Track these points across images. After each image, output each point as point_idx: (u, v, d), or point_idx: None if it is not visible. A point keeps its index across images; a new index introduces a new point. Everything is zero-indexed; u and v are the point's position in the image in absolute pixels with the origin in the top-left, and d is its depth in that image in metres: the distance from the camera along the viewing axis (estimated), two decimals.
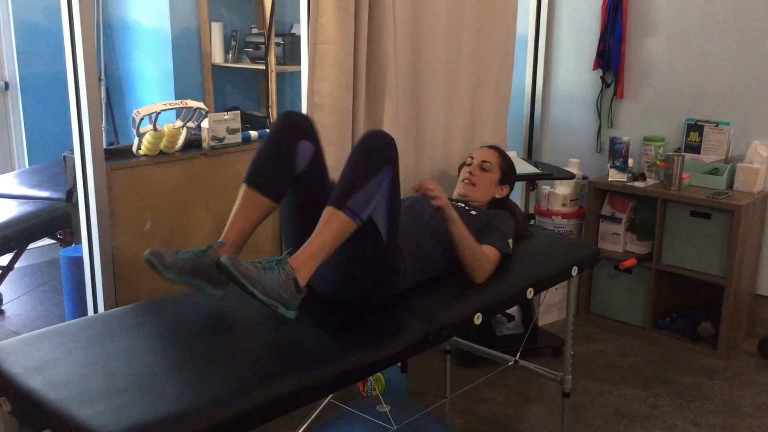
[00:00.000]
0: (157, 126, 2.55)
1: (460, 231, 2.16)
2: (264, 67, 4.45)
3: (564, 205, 3.81)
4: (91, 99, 2.27)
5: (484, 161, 2.63)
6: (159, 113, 2.51)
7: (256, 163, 1.99)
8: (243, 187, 1.97)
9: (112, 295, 2.44)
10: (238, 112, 2.83)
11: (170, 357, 1.70)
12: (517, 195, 4.02)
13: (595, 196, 3.71)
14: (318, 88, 2.87)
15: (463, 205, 2.48)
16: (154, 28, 4.75)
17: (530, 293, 2.27)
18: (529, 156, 4.14)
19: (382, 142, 1.91)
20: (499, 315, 3.37)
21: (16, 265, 3.70)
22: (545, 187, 3.87)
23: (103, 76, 4.87)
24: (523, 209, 3.44)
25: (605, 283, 3.77)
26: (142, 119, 2.49)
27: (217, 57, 4.82)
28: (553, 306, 3.78)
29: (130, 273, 2.53)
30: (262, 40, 4.53)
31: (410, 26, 3.15)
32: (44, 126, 4.71)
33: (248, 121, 4.63)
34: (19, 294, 4.01)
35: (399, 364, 2.96)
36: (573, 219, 3.82)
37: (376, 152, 1.88)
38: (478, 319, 2.09)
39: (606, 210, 3.72)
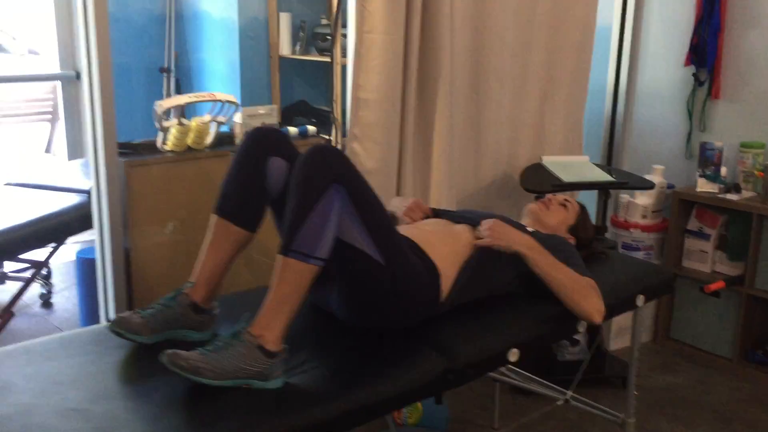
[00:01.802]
0: (183, 120, 2.37)
1: (540, 265, 1.89)
2: (330, 60, 4.23)
3: (644, 216, 3.41)
4: (104, 92, 2.09)
5: (566, 200, 2.31)
6: (184, 106, 2.32)
7: (222, 188, 1.76)
8: (212, 217, 1.75)
9: (125, 300, 2.27)
10: (275, 107, 2.63)
11: (141, 395, 1.48)
12: (591, 205, 3.65)
13: (680, 208, 3.29)
14: (363, 81, 2.61)
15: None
16: (222, 18, 4.63)
17: (582, 326, 1.94)
18: (608, 161, 3.74)
19: (320, 159, 1.58)
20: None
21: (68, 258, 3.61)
22: (624, 196, 3.48)
23: (173, 68, 4.81)
24: (594, 220, 3.07)
25: (689, 306, 3.35)
26: (164, 112, 2.30)
27: (285, 48, 4.65)
28: (626, 329, 3.39)
29: (149, 276, 2.37)
30: (330, 31, 4.33)
31: (471, 15, 2.85)
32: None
33: (315, 116, 4.44)
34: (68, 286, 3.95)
35: None
36: (654, 233, 3.41)
37: (313, 176, 1.56)
38: (513, 355, 1.78)
39: (693, 224, 3.30)
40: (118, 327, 1.61)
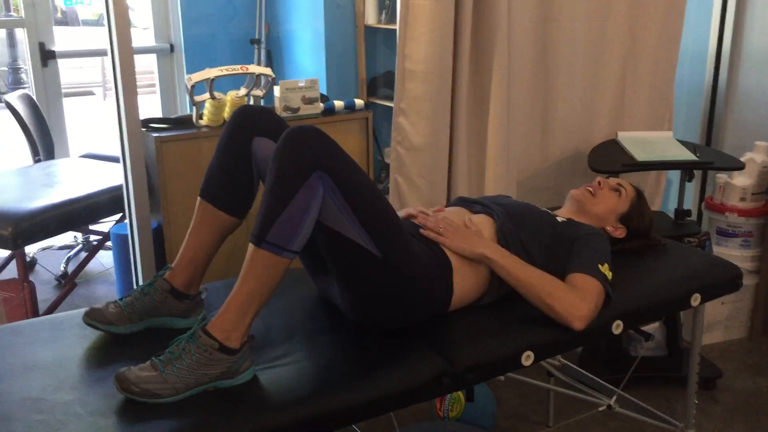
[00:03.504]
0: (216, 94, 2.30)
1: (506, 267, 1.67)
2: None
3: (743, 199, 3.04)
4: (123, 68, 2.05)
5: (620, 184, 2.04)
6: (213, 80, 2.25)
7: (207, 171, 1.66)
8: (198, 200, 1.65)
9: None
10: (316, 79, 2.49)
11: (104, 386, 1.42)
12: (673, 186, 3.29)
13: None
14: (410, 51, 2.45)
15: (547, 209, 1.95)
16: None
17: (618, 327, 1.71)
18: (708, 136, 3.37)
19: (298, 144, 1.43)
20: (631, 332, 2.76)
21: None
22: (721, 176, 3.11)
23: (263, 39, 4.80)
24: (676, 203, 2.76)
25: None
26: (193, 86, 2.24)
27: (371, 18, 4.51)
28: (717, 324, 3.05)
29: None
30: None
31: None
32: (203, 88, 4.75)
33: None
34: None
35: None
36: (753, 218, 3.03)
37: (291, 163, 1.41)
38: (527, 359, 1.59)
39: None
40: (90, 318, 1.56)
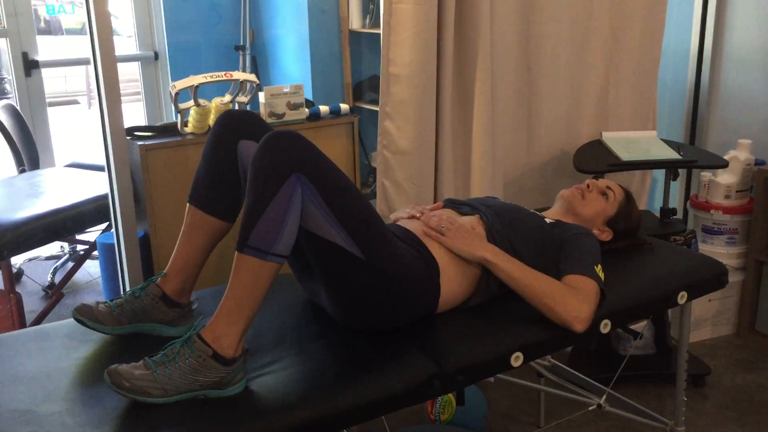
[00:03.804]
0: (200, 101, 2.29)
1: (506, 270, 1.68)
2: None
3: (728, 196, 3.06)
4: (107, 77, 2.04)
5: (609, 187, 2.05)
6: (198, 87, 2.24)
7: (195, 176, 1.67)
8: (187, 206, 1.66)
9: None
10: (301, 85, 2.49)
11: (92, 398, 1.42)
12: (658, 185, 3.32)
13: (766, 187, 2.93)
14: (394, 55, 2.46)
15: (534, 210, 1.96)
16: None
17: (606, 327, 1.72)
18: (691, 135, 3.40)
19: (276, 147, 1.43)
20: (620, 331, 2.77)
21: None
22: (705, 174, 3.13)
23: (248, 45, 4.79)
24: (662, 202, 2.77)
25: None
26: (178, 93, 2.24)
27: (355, 22, 4.52)
28: (704, 321, 3.07)
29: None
30: None
31: None
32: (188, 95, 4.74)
33: None
34: None
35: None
36: (738, 215, 3.06)
37: (269, 165, 1.42)
38: (516, 360, 1.60)
39: None
40: (80, 314, 1.56)
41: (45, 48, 4.25)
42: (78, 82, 9.81)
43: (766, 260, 2.97)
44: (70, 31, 10.68)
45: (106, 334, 1.58)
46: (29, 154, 3.67)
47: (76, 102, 9.84)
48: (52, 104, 4.64)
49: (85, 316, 1.56)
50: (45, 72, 4.11)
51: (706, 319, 3.07)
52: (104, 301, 1.60)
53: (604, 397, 2.08)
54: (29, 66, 4.00)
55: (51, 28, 10.46)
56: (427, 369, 1.51)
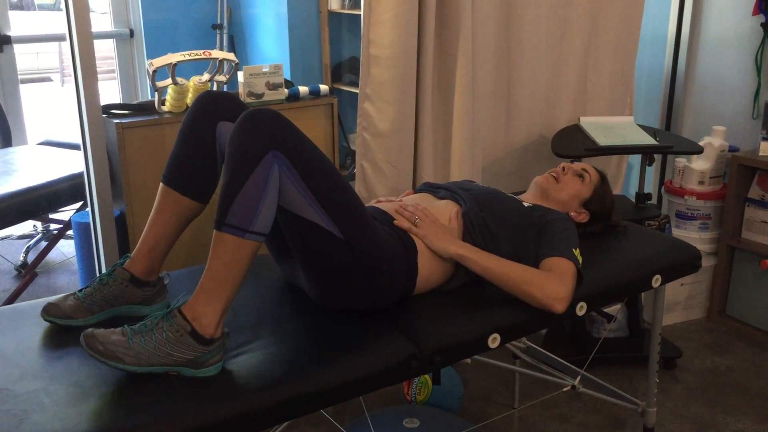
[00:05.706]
0: (178, 79, 2.27)
1: (481, 264, 1.69)
2: None
3: (701, 182, 3.11)
4: (83, 54, 2.01)
5: (584, 169, 2.07)
6: (175, 65, 2.22)
7: (171, 155, 1.65)
8: (160, 186, 1.64)
9: None
10: (281, 65, 2.47)
11: (68, 375, 1.41)
12: (634, 170, 3.35)
13: (740, 174, 2.97)
14: (375, 36, 2.44)
15: (512, 194, 1.97)
16: None
17: (581, 309, 1.74)
18: (667, 121, 3.43)
19: (253, 125, 1.42)
20: (594, 314, 2.81)
21: None
22: (680, 160, 3.17)
23: (225, 24, 4.73)
24: (637, 187, 2.80)
25: (747, 281, 3.04)
26: (155, 71, 2.21)
27: (334, 3, 4.49)
28: (677, 305, 3.12)
29: None
30: None
31: None
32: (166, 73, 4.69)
33: None
34: None
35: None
36: (711, 201, 3.10)
37: (247, 143, 1.40)
38: (494, 341, 1.61)
39: (754, 192, 2.98)
40: (48, 315, 1.54)
41: (17, 24, 4.16)
42: (51, 59, 9.65)
43: (737, 245, 3.02)
44: (43, 7, 10.50)
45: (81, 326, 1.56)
46: (1, 132, 3.62)
47: (49, 79, 9.68)
48: (24, 81, 4.57)
49: (54, 315, 1.54)
50: (17, 48, 4.04)
51: (678, 302, 3.12)
52: (72, 293, 1.58)
53: (578, 378, 2.11)
54: (1, 42, 3.93)
55: (23, 3, 10.27)
56: (405, 349, 1.52)
